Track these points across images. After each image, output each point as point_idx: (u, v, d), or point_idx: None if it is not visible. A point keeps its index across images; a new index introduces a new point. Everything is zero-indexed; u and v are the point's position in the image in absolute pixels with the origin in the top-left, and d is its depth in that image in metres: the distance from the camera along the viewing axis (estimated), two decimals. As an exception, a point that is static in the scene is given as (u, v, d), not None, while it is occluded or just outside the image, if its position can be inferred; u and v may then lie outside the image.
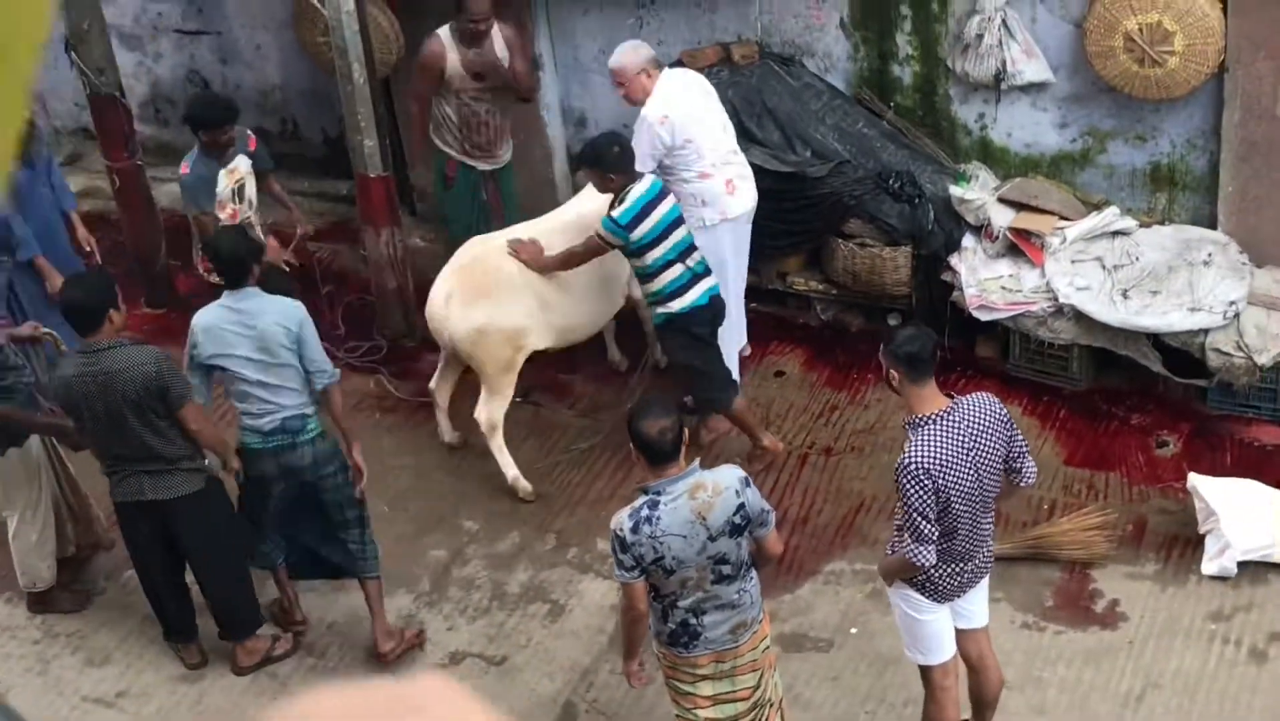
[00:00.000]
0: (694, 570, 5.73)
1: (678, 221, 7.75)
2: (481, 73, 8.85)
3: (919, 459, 5.64)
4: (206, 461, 6.97)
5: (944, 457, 5.65)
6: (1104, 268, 8.43)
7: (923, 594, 6.02)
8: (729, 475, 5.80)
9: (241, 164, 8.42)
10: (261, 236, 8.36)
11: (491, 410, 8.29)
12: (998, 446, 5.79)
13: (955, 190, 8.76)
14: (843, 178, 8.81)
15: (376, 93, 9.00)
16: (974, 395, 5.92)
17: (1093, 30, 8.30)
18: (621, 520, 5.72)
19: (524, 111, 9.51)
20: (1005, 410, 5.91)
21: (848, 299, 9.31)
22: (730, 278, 8.38)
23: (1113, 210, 8.63)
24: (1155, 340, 8.34)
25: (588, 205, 8.31)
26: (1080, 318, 8.35)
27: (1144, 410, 8.56)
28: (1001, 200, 8.73)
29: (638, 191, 7.62)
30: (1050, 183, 8.86)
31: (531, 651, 7.51)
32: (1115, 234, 8.56)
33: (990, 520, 6.02)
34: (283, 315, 6.85)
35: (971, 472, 5.71)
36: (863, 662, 7.23)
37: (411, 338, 9.50)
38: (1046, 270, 8.46)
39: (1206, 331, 8.14)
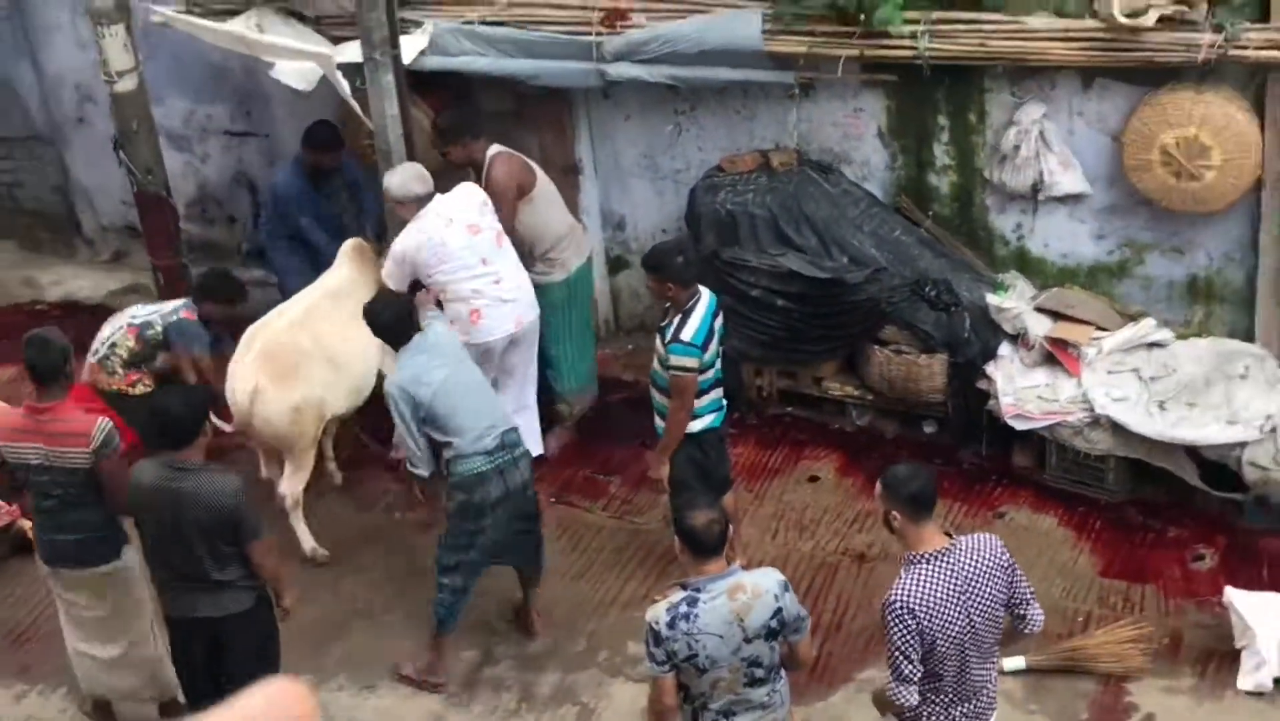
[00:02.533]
0: (727, 671, 5.71)
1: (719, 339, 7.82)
2: None
3: (904, 598, 5.53)
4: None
5: (932, 599, 5.53)
6: (1140, 379, 8.42)
7: None
8: (769, 578, 5.77)
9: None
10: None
11: (295, 485, 8.64)
12: (996, 591, 5.64)
13: (992, 299, 8.78)
14: (879, 284, 8.85)
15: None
16: (976, 536, 5.77)
17: (1130, 144, 8.35)
18: (659, 613, 5.68)
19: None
20: (1008, 554, 5.74)
21: (883, 405, 9.32)
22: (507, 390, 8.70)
23: (1149, 321, 8.63)
24: (1192, 452, 8.30)
25: (340, 274, 8.88)
26: (1117, 428, 8.33)
27: (1180, 523, 8.50)
28: (1038, 309, 8.75)
29: (703, 303, 7.60)
30: (1087, 293, 8.89)
31: (560, 754, 7.47)
32: (1152, 345, 8.56)
33: (988, 666, 5.85)
34: (453, 334, 7.50)
35: (962, 616, 5.58)
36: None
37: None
38: (1083, 380, 8.45)
39: (1243, 445, 8.10)
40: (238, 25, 9.66)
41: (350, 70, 9.02)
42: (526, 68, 9.44)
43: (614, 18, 9.23)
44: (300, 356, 8.46)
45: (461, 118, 9.06)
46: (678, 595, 5.72)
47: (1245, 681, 7.36)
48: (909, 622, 5.51)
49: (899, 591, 5.55)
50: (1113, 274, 8.98)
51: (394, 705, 7.63)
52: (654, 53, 9.12)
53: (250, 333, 8.61)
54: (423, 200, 8.39)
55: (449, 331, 7.79)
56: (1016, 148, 8.70)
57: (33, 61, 11.98)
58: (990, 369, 8.71)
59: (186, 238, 10.45)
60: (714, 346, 7.66)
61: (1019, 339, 8.71)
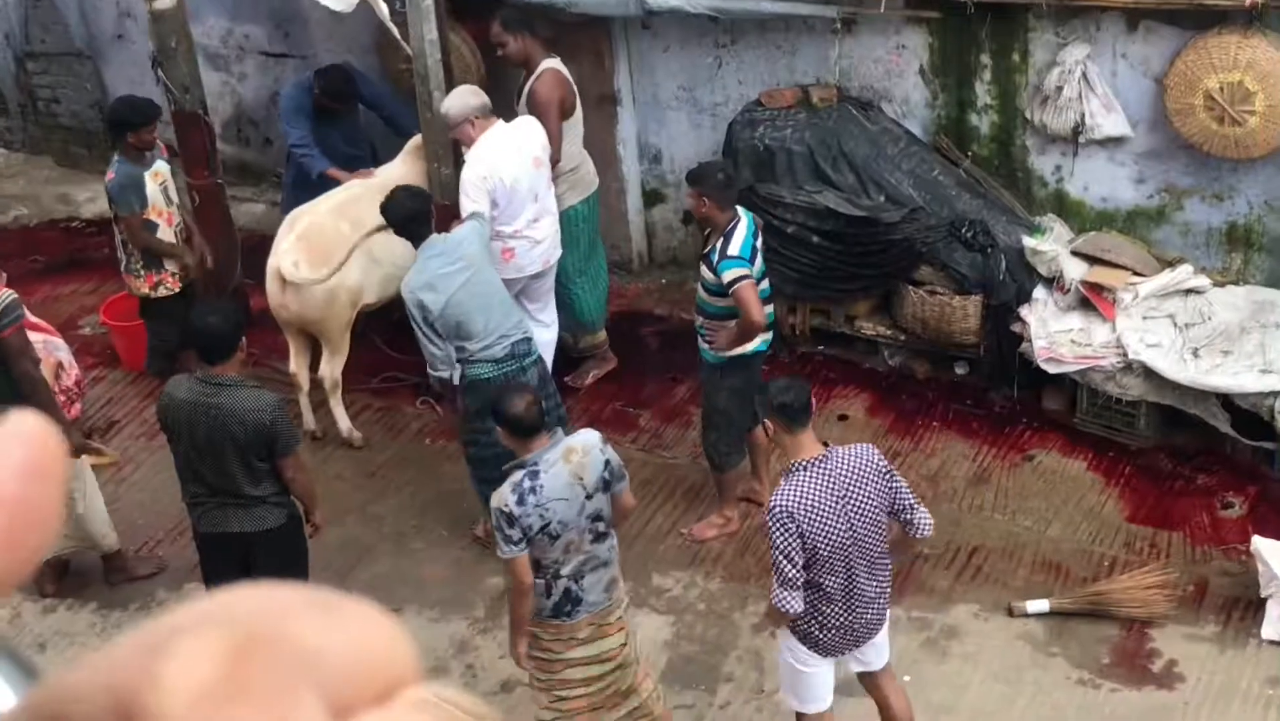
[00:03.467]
0: (575, 533, 6.12)
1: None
2: None
3: (784, 503, 5.77)
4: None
5: (812, 504, 5.76)
6: (1175, 325, 8.38)
7: (805, 645, 6.15)
8: (591, 436, 6.29)
9: (162, 166, 8.97)
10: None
11: (334, 368, 8.84)
12: (874, 496, 5.87)
13: (1029, 241, 8.73)
14: (916, 224, 8.80)
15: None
16: (852, 446, 6.06)
17: (1173, 87, 8.27)
18: (505, 496, 6.04)
19: (599, 146, 9.56)
20: (885, 461, 6.02)
21: (915, 346, 9.29)
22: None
23: (1187, 268, 8.57)
24: (1225, 400, 8.27)
25: (395, 169, 9.08)
26: (1149, 374, 8.29)
27: (1210, 470, 8.47)
28: (1075, 253, 8.69)
29: (743, 225, 7.61)
30: (1125, 238, 8.83)
31: (583, 682, 7.51)
32: (1188, 292, 8.50)
33: (879, 577, 6.05)
34: (480, 235, 7.46)
35: (843, 521, 5.79)
36: (914, 710, 7.18)
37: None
38: (1117, 325, 8.41)
39: (1277, 394, 8.06)
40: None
41: (389, -8, 8.98)
42: (566, -5, 9.38)
43: (656, -53, 9.15)
44: (339, 241, 8.58)
45: (524, 13, 9.02)
46: (517, 474, 6.08)
47: (1269, 630, 7.36)
48: (789, 526, 5.74)
49: (779, 497, 5.81)
50: (1151, 219, 8.92)
51: (421, 629, 7.68)
52: (696, -17, 9.05)
53: (293, 215, 8.81)
54: (482, 112, 8.28)
55: (476, 228, 7.76)
56: (1059, 89, 8.62)
57: (73, -23, 11.97)
58: (1024, 311, 8.68)
59: (222, 158, 10.44)
60: (759, 263, 7.67)
61: (1054, 282, 8.67)
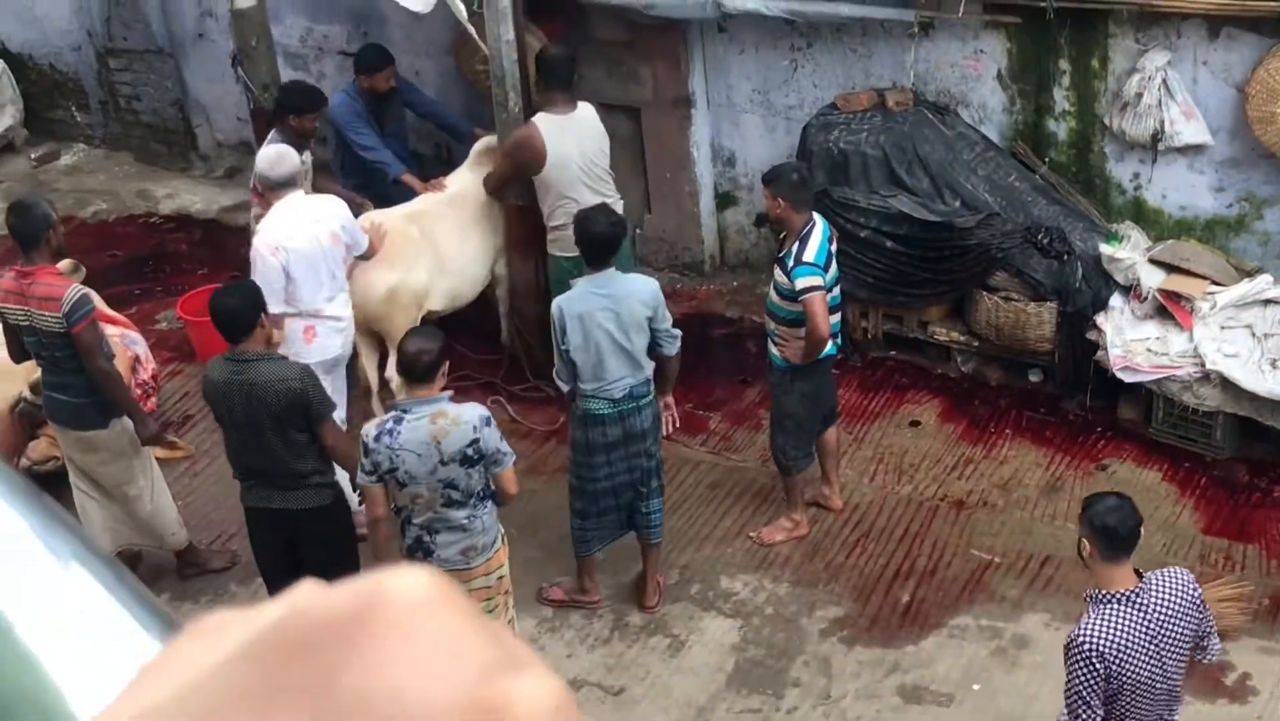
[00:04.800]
0: (425, 489, 6.33)
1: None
2: None
3: (1092, 639, 5.25)
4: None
5: (1122, 643, 5.24)
6: (1254, 335, 8.28)
7: None
8: (471, 411, 6.43)
9: (307, 158, 8.89)
10: None
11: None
12: (1186, 631, 5.36)
13: (1105, 249, 8.66)
14: (991, 229, 8.75)
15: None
16: (1166, 573, 5.43)
17: (1255, 95, 8.17)
18: (368, 428, 6.36)
19: (672, 148, 9.58)
20: (1198, 589, 5.44)
21: (989, 352, 9.22)
22: None
23: (1266, 278, 8.47)
24: (1303, 412, 8.16)
25: (464, 178, 9.13)
26: (1227, 385, 8.20)
27: (1288, 483, 8.37)
28: (1152, 261, 8.61)
29: (819, 230, 7.57)
30: (1203, 246, 8.73)
31: (649, 684, 7.52)
32: (1267, 302, 8.40)
33: (1174, 710, 5.56)
34: (644, 293, 7.27)
35: (1154, 661, 5.30)
36: (983, 720, 7.15)
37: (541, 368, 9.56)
38: (1195, 335, 8.32)
39: (1357, 407, 7.95)
40: (357, -55, 9.70)
41: (467, -6, 9.02)
42: (644, -3, 9.39)
43: (734, -50, 9.14)
44: (406, 243, 8.67)
45: (556, 65, 8.66)
46: (388, 414, 6.42)
47: (1347, 647, 7.24)
48: (1095, 667, 5.25)
49: (1086, 632, 5.28)
50: (1230, 228, 8.82)
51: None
52: (773, -14, 9.04)
53: (367, 215, 8.81)
54: (275, 185, 7.92)
55: (641, 279, 7.57)
56: (1138, 95, 8.54)
57: (155, -24, 12.10)
58: (1100, 319, 8.60)
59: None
60: (833, 269, 7.64)
61: (1131, 290, 8.59)
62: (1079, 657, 5.26)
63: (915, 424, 9.11)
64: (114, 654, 0.68)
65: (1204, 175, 8.76)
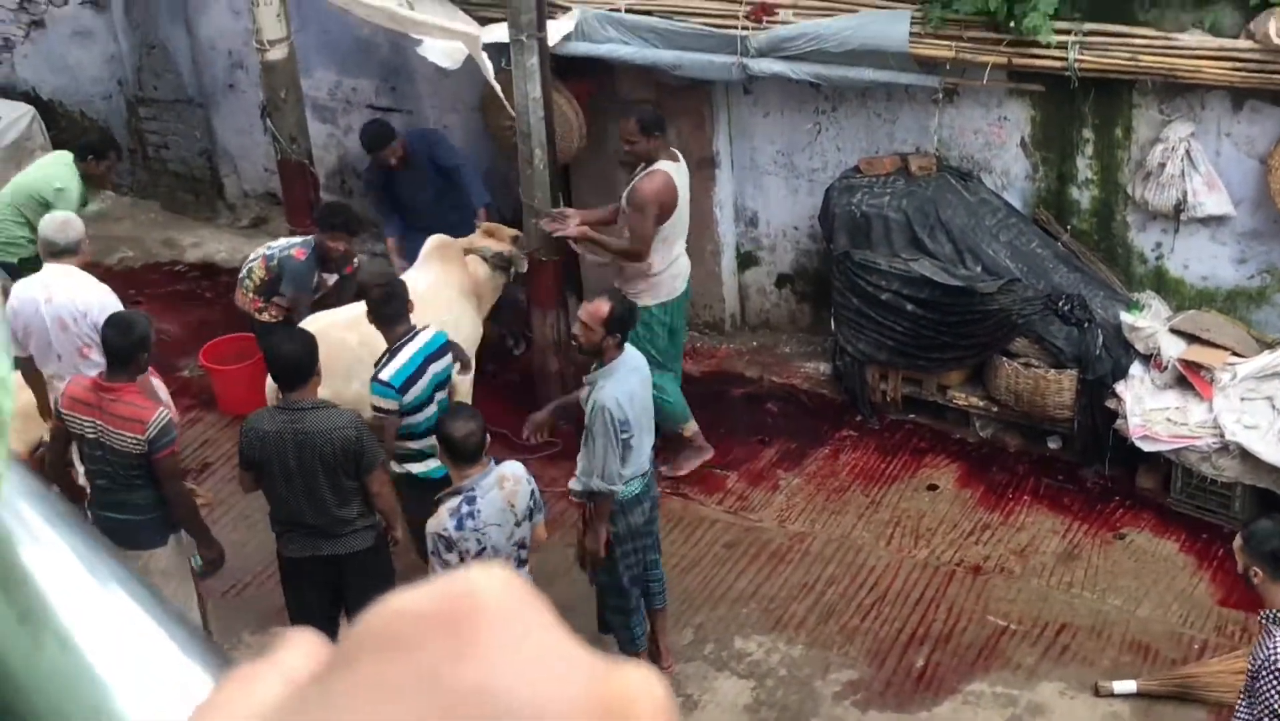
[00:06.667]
0: (503, 557, 6.36)
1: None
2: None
3: None
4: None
5: None
6: (1274, 408, 8.26)
7: None
8: (516, 466, 6.65)
9: (330, 279, 9.11)
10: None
11: None
12: None
13: (1126, 317, 8.66)
14: (1012, 295, 8.76)
15: (555, 178, 9.16)
16: None
17: (1277, 167, 8.20)
18: (443, 522, 6.29)
19: (697, 208, 9.61)
20: None
21: (1008, 417, 9.22)
22: None
23: (1287, 350, 8.47)
24: (1323, 486, 8.13)
25: (420, 277, 8.45)
26: (1246, 456, 8.18)
27: (1307, 556, 8.32)
28: (1173, 331, 8.61)
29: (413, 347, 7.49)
30: (1224, 317, 8.73)
31: (661, 744, 7.47)
32: (1288, 374, 8.40)
33: None
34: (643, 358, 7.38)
35: None
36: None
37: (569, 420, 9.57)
38: (1214, 405, 8.31)
39: (1377, 481, 7.92)
40: (388, 1, 9.78)
41: (495, 51, 9.09)
42: (669, 58, 9.45)
43: (761, 12, 9.22)
44: (342, 352, 7.99)
45: (655, 116, 8.68)
46: (454, 501, 6.33)
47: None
48: None
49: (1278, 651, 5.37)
50: (1252, 299, 8.82)
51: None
52: (799, 49, 9.09)
53: (309, 320, 8.28)
54: (53, 250, 7.90)
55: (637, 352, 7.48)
56: (1161, 165, 8.57)
57: (187, 26, 12.21)
58: (1120, 388, 8.60)
59: (325, 208, 10.58)
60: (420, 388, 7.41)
61: (1151, 359, 8.59)
62: (1277, 678, 5.39)
63: (933, 488, 9.10)
64: (167, 680, 0.69)
65: (1226, 246, 8.77)
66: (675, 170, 8.62)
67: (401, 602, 0.55)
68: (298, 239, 9.17)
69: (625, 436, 7.01)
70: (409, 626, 0.54)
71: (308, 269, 8.89)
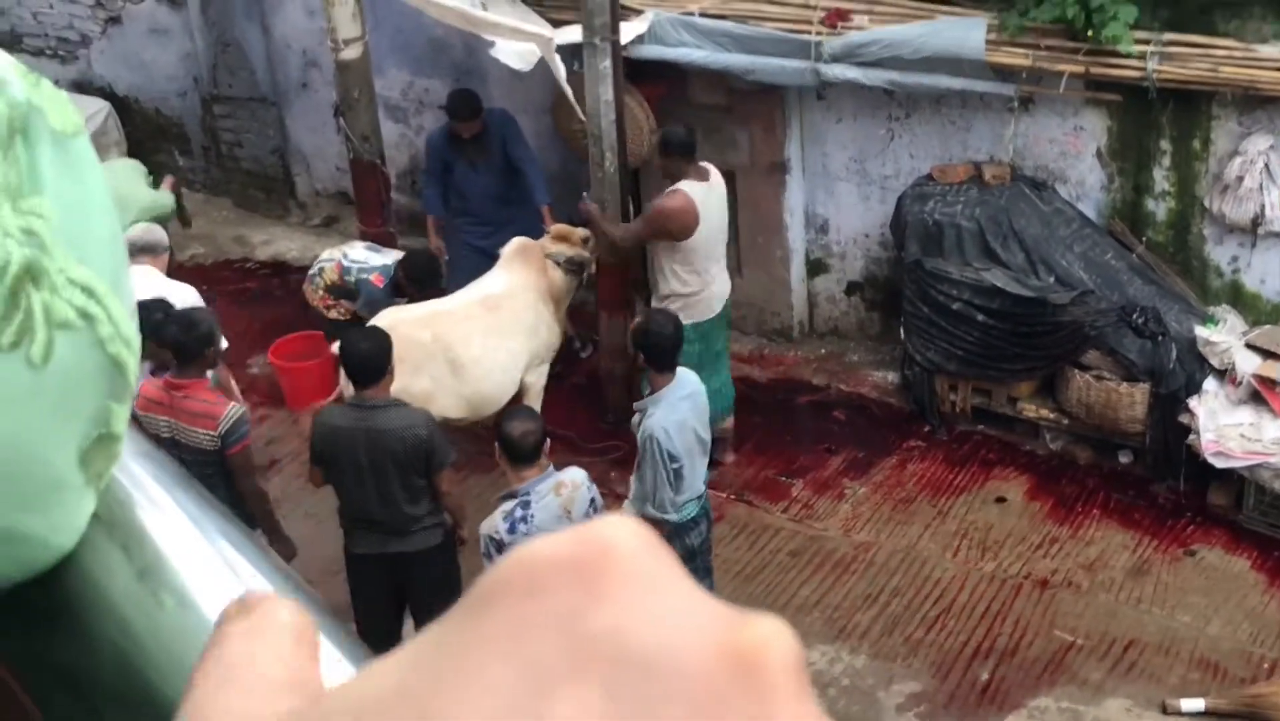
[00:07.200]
0: None
1: None
2: None
3: None
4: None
5: None
6: (1351, 425, 8.14)
7: None
8: (579, 473, 6.51)
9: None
10: None
11: None
12: None
13: (1201, 331, 8.56)
14: (1085, 307, 8.67)
15: (625, 181, 9.15)
16: None
17: (1360, 181, 8.07)
18: (495, 525, 6.20)
19: (766, 214, 9.58)
20: None
21: (1078, 431, 9.12)
22: None
23: (1365, 367, 8.34)
24: (1400, 506, 8.00)
25: (498, 279, 8.53)
26: (1322, 474, 8.06)
27: (1382, 578, 8.20)
28: (1249, 346, 8.50)
29: None
30: (1302, 333, 8.61)
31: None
32: (1366, 392, 8.27)
33: None
34: (698, 380, 7.22)
35: None
36: (1060, 804, 7.03)
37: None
38: (1290, 422, 8.19)
39: None
40: (462, 1, 9.80)
41: (567, 53, 9.09)
42: (742, 63, 9.41)
43: (835, 18, 9.17)
44: (412, 348, 7.96)
45: (679, 137, 8.58)
46: (509, 504, 6.23)
47: None
48: None
49: None
50: (1330, 315, 8.69)
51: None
52: (873, 56, 9.03)
53: (383, 313, 8.36)
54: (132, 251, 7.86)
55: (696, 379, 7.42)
56: (1240, 178, 8.46)
57: (262, 25, 12.30)
58: (1193, 402, 8.49)
59: (395, 208, 10.62)
60: None
61: (1226, 374, 8.48)
62: None
63: (1001, 500, 9.02)
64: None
65: (1304, 261, 8.66)
66: (701, 190, 8.53)
67: (535, 549, 0.55)
68: (375, 258, 9.06)
69: (675, 466, 6.94)
70: (543, 572, 0.54)
71: (385, 297, 8.88)
